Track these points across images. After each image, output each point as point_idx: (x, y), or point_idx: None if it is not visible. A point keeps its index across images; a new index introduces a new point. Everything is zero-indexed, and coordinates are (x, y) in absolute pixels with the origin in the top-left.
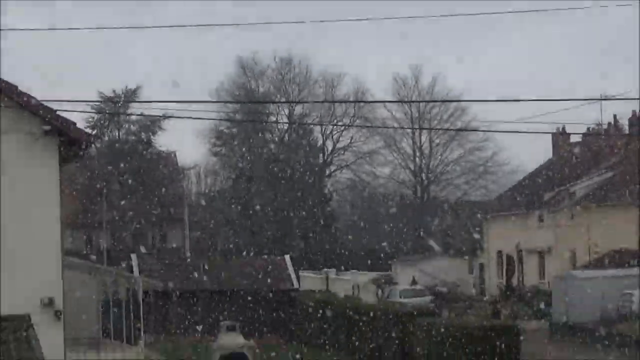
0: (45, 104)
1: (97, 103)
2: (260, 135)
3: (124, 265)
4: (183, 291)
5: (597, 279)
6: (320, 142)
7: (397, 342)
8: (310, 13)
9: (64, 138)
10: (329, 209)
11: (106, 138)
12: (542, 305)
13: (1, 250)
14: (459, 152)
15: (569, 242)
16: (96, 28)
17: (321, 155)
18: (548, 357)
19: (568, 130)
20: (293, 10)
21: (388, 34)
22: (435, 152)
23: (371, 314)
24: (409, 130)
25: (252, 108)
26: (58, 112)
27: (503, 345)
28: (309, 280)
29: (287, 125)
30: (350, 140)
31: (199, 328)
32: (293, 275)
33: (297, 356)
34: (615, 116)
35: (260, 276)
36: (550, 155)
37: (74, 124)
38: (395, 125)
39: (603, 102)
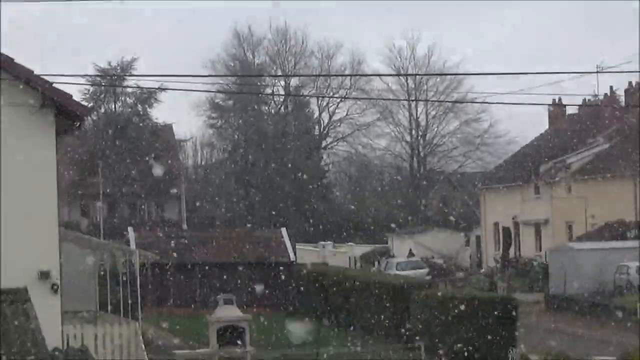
0: (42, 76)
1: (93, 76)
2: (256, 107)
3: (120, 238)
4: (180, 264)
5: (593, 251)
6: (316, 114)
7: (393, 314)
8: None
9: (60, 111)
10: (326, 181)
11: (102, 110)
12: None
13: None
14: (456, 124)
15: (565, 214)
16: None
17: (317, 127)
18: (544, 329)
19: (564, 102)
20: None
21: (384, 3)
22: (431, 124)
23: (368, 287)
24: (405, 102)
25: (248, 80)
26: (54, 85)
27: (499, 317)
28: (306, 253)
29: (283, 97)
30: (347, 112)
31: (196, 301)
32: (290, 248)
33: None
34: (611, 87)
35: (257, 249)
36: (546, 127)
37: (70, 96)
38: (392, 96)
39: (600, 74)
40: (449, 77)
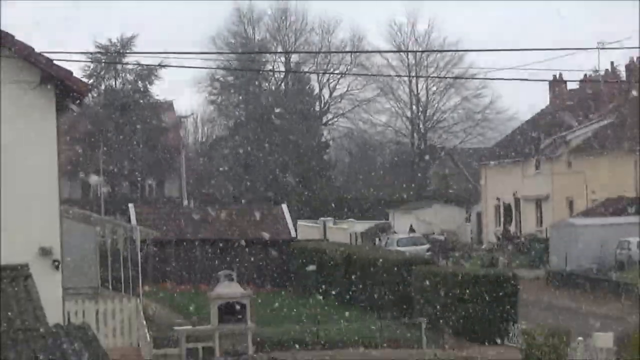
0: (42, 53)
1: (93, 53)
2: (256, 83)
3: (121, 214)
4: (180, 240)
5: (594, 226)
6: (316, 91)
7: (394, 290)
8: None
9: (61, 87)
10: (326, 157)
11: (103, 87)
12: (536, 249)
13: None
14: (456, 100)
15: (566, 190)
16: None
17: (318, 103)
18: (545, 305)
19: (565, 78)
20: None
21: None
22: (432, 100)
23: (368, 263)
24: (405, 78)
25: (249, 56)
26: (54, 62)
27: (500, 294)
28: (307, 229)
29: (284, 73)
30: (347, 88)
31: (197, 277)
32: (290, 225)
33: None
34: (612, 63)
35: (257, 225)
36: (547, 102)
37: (71, 73)
38: (392, 72)
39: (601, 50)
40: (449, 53)
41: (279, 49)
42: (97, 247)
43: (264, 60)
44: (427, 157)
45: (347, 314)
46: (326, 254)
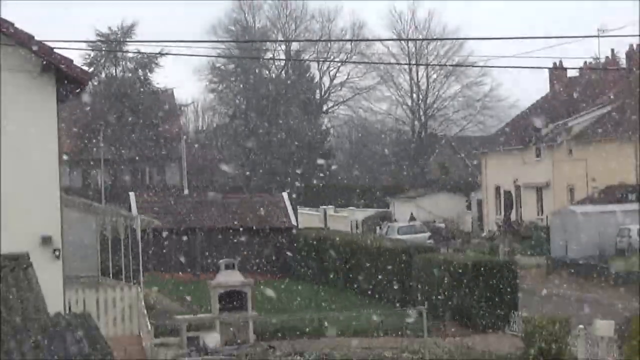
0: (42, 41)
1: (93, 41)
2: (257, 71)
3: (122, 203)
4: (181, 229)
5: (595, 214)
6: (317, 78)
7: (396, 278)
8: None
9: (61, 76)
10: (327, 145)
11: (103, 76)
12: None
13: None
14: (457, 88)
15: (566, 177)
16: None
17: (318, 91)
18: (546, 293)
19: (565, 65)
20: None
21: None
22: (432, 88)
23: (369, 251)
24: (406, 66)
25: (249, 44)
26: (55, 50)
27: (501, 282)
28: (307, 218)
29: (284, 61)
30: (347, 76)
31: (198, 266)
32: (291, 213)
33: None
34: (612, 50)
35: (258, 214)
36: (547, 89)
37: (71, 61)
38: (392, 60)
39: (601, 37)
40: (449, 40)
41: (279, 37)
42: (98, 236)
43: (264, 48)
44: (427, 145)
45: (348, 301)
46: (327, 242)
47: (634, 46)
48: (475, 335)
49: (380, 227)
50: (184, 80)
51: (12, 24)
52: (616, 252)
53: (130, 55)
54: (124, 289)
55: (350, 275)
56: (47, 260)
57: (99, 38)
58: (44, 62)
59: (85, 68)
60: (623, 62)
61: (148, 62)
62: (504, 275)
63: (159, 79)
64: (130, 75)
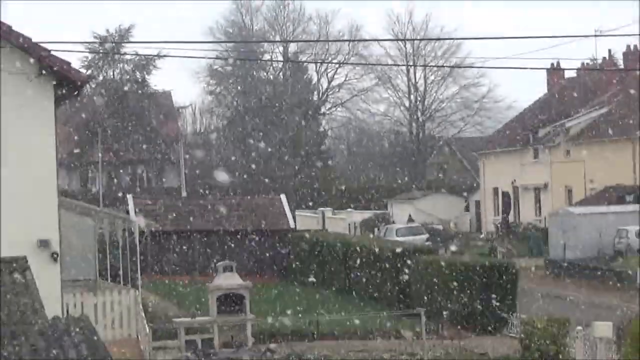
0: (40, 44)
1: (91, 43)
2: (255, 73)
3: (120, 206)
4: (179, 231)
5: (593, 215)
6: (314, 80)
7: (394, 280)
8: None
9: (59, 78)
10: (325, 147)
11: (101, 78)
12: (535, 238)
13: None
14: (454, 89)
15: (564, 179)
16: None
17: (316, 93)
18: (544, 294)
19: (563, 66)
20: None
21: None
22: (430, 89)
23: (368, 253)
24: (403, 67)
25: (247, 46)
26: (53, 52)
27: (499, 283)
28: (305, 220)
29: (282, 63)
30: (345, 77)
31: (196, 269)
32: (289, 215)
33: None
34: (610, 51)
35: (256, 216)
36: (545, 90)
37: (69, 64)
38: (390, 62)
39: (598, 38)
40: (447, 41)
41: (277, 39)
42: (96, 239)
43: (262, 50)
44: (425, 146)
45: (346, 304)
46: (325, 244)
47: (631, 47)
48: (474, 337)
49: (378, 229)
50: (182, 82)
51: (10, 27)
52: (614, 253)
53: (127, 57)
54: (122, 292)
55: (349, 277)
56: (45, 264)
57: (96, 40)
58: (42, 65)
59: (83, 70)
60: (621, 62)
61: (146, 64)
62: (502, 276)
63: (157, 81)
64: (128, 77)
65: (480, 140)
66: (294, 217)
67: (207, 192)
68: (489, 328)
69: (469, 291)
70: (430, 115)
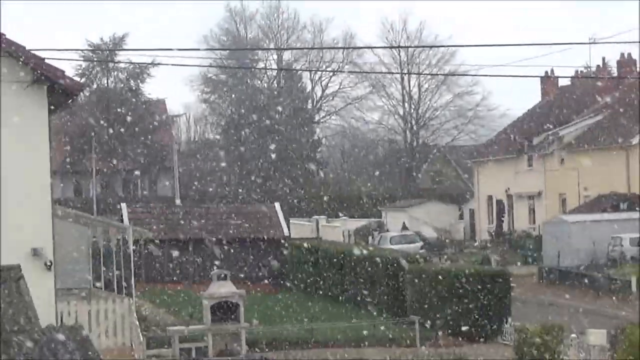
0: (34, 52)
1: (85, 51)
2: (249, 82)
3: (114, 214)
4: (173, 240)
5: (587, 223)
6: (309, 89)
7: (388, 288)
8: None
9: (53, 86)
10: (319, 155)
11: (95, 86)
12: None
13: None
14: (448, 97)
15: (558, 186)
16: None
17: (310, 101)
18: (538, 302)
19: (556, 74)
20: None
21: None
22: (424, 97)
23: (362, 261)
24: (397, 76)
25: (241, 54)
26: (46, 61)
27: (493, 291)
28: (300, 228)
29: (276, 71)
30: (339, 86)
31: (190, 277)
32: (283, 223)
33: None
34: (604, 59)
35: (250, 224)
36: (539, 98)
37: (63, 72)
38: (384, 70)
39: (592, 46)
40: (441, 50)
41: (271, 47)
42: (90, 247)
43: (256, 58)
44: (419, 155)
45: (341, 312)
46: (319, 252)
47: (625, 55)
48: (468, 345)
49: (372, 237)
50: (176, 90)
51: (4, 35)
52: (608, 261)
53: (122, 65)
54: (116, 301)
55: (343, 285)
56: (38, 272)
57: (90, 48)
58: (36, 73)
59: (77, 79)
60: (614, 70)
61: (140, 72)
62: (496, 284)
63: (151, 89)
64: (122, 85)
65: (474, 148)
66: (288, 226)
67: (201, 200)
68: (483, 336)
69: (462, 299)
70: (425, 124)
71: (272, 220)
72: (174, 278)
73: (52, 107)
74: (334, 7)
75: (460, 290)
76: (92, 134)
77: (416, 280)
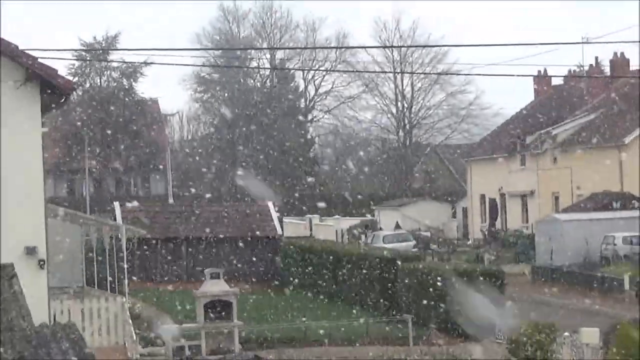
0: (26, 51)
1: (78, 51)
2: (242, 81)
3: (106, 213)
4: (166, 238)
5: (579, 221)
6: (302, 88)
7: (381, 287)
8: None
9: (46, 86)
10: (312, 154)
11: (88, 85)
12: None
13: None
14: (441, 96)
15: (551, 185)
16: None
17: (303, 100)
18: (531, 301)
19: (549, 73)
20: None
21: None
22: (417, 96)
23: (355, 260)
24: (390, 75)
25: (234, 53)
26: (39, 60)
27: (486, 290)
28: (293, 226)
29: (269, 70)
30: (332, 85)
31: (183, 275)
32: (277, 222)
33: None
34: (596, 58)
35: (243, 223)
36: (532, 98)
37: (56, 71)
38: (377, 69)
39: (588, 46)
40: (434, 49)
41: (264, 46)
42: (83, 246)
43: (249, 57)
44: (412, 153)
45: (334, 311)
46: (312, 251)
47: (618, 54)
48: (461, 343)
49: (365, 236)
50: (169, 90)
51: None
52: (601, 259)
53: (114, 64)
54: (109, 299)
55: (336, 284)
56: (32, 271)
57: (83, 48)
58: (28, 72)
59: (70, 78)
60: (607, 70)
61: (133, 71)
62: (489, 283)
63: (144, 88)
64: (114, 85)
65: (467, 147)
66: (281, 224)
67: (194, 199)
68: (476, 334)
69: (455, 298)
70: (418, 123)
71: (266, 218)
72: (167, 277)
73: (45, 106)
74: (326, 6)
75: (453, 289)
76: (85, 133)
77: (409, 279)
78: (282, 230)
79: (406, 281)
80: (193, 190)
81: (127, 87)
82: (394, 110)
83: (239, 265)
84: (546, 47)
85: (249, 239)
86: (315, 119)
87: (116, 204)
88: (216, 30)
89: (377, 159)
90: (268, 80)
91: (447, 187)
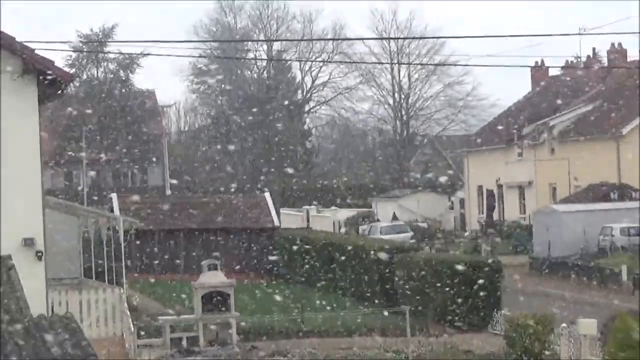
0: (24, 43)
1: (75, 42)
2: (239, 72)
3: (104, 204)
4: (164, 230)
5: (577, 213)
6: (298, 79)
7: (379, 278)
8: None
9: (43, 77)
10: (309, 145)
11: (85, 77)
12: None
13: None
14: (438, 87)
15: (549, 176)
16: None
17: (300, 91)
18: (529, 292)
19: (547, 64)
20: None
21: None
22: (414, 87)
23: (352, 251)
24: (387, 66)
25: (231, 45)
26: (36, 51)
27: (484, 281)
28: (290, 218)
29: (266, 62)
30: (329, 76)
31: (181, 267)
32: (273, 213)
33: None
34: (594, 49)
35: (240, 214)
36: (529, 89)
37: (53, 62)
38: (374, 60)
39: (586, 37)
40: (431, 40)
41: (261, 37)
42: (80, 237)
43: (246, 48)
44: (409, 144)
45: (331, 302)
46: (310, 242)
47: (616, 44)
48: (458, 334)
49: (363, 227)
50: (165, 81)
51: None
52: (598, 250)
53: (111, 56)
54: (106, 291)
55: (334, 275)
56: (29, 262)
57: (80, 39)
58: (25, 64)
59: (67, 69)
60: (605, 60)
61: (129, 63)
62: (486, 274)
63: (141, 80)
64: (111, 76)
65: (464, 138)
66: (278, 216)
67: (191, 190)
68: (474, 325)
69: (453, 289)
70: (415, 114)
71: (263, 210)
72: (165, 268)
73: (42, 98)
74: None
75: (451, 280)
76: (82, 124)
77: (406, 270)
78: (280, 221)
79: (404, 272)
80: (190, 181)
81: (124, 78)
82: (391, 102)
83: (237, 256)
84: (544, 38)
85: (246, 230)
86: (312, 110)
87: (113, 196)
88: (213, 22)
89: (374, 150)
90: (265, 72)
91: (444, 179)
